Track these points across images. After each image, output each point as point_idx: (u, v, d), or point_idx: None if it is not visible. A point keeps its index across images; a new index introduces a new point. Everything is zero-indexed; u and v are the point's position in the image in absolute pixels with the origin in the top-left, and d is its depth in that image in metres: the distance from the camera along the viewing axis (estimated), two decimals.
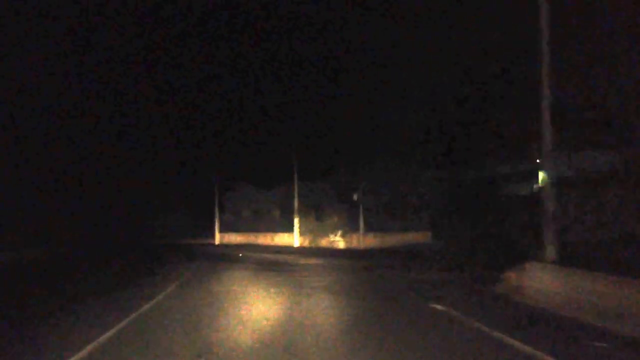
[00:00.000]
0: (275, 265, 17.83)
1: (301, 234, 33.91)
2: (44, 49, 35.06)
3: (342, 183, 33.14)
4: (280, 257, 22.37)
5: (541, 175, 9.30)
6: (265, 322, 7.25)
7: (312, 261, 20.25)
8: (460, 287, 10.91)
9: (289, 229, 34.94)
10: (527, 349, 5.47)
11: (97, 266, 19.31)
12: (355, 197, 30.17)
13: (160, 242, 41.42)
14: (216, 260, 20.95)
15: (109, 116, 44.59)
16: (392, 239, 30.20)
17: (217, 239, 42.73)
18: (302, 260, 20.69)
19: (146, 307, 8.62)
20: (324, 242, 31.98)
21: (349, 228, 30.79)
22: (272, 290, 10.87)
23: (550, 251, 8.30)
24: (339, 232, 30.86)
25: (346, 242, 30.47)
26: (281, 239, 36.31)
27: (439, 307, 8.20)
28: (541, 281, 7.78)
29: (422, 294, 9.92)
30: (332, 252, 27.11)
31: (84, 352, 5.57)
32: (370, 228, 30.09)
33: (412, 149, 31.03)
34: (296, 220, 33.92)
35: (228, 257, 23.38)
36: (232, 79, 43.65)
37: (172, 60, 44.61)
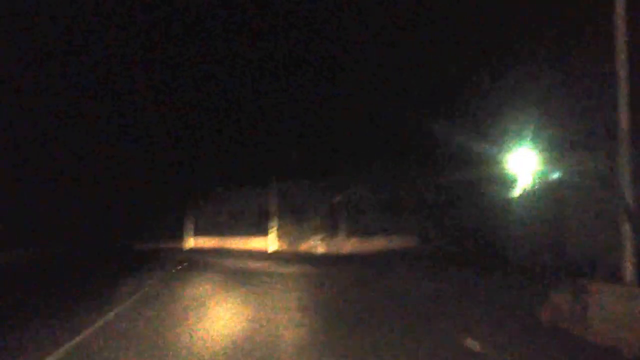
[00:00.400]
0: (245, 277, 15.36)
1: (279, 237, 31.47)
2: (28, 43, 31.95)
3: (323, 184, 30.84)
4: (254, 265, 19.90)
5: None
6: None
7: (291, 269, 17.85)
8: (484, 304, 8.70)
9: (266, 232, 32.48)
10: None
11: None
12: (337, 198, 27.90)
13: (130, 247, 38.56)
14: (176, 271, 18.39)
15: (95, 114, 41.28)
16: (377, 243, 27.94)
17: (188, 243, 39.95)
18: (279, 269, 18.27)
19: None
20: (303, 247, 29.59)
21: (330, 232, 28.48)
22: (232, 324, 7.91)
23: (629, 270, 6.02)
24: (319, 236, 28.51)
25: (327, 246, 28.14)
26: (257, 242, 33.77)
27: (473, 344, 5.91)
28: (615, 311, 5.57)
29: (443, 317, 7.61)
30: (313, 258, 24.75)
31: None
32: (352, 232, 27.86)
33: (403, 151, 29.35)
34: (273, 223, 31.46)
35: (196, 264, 20.80)
36: (208, 75, 40.90)
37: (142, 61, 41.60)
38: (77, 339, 6.68)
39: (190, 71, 39.85)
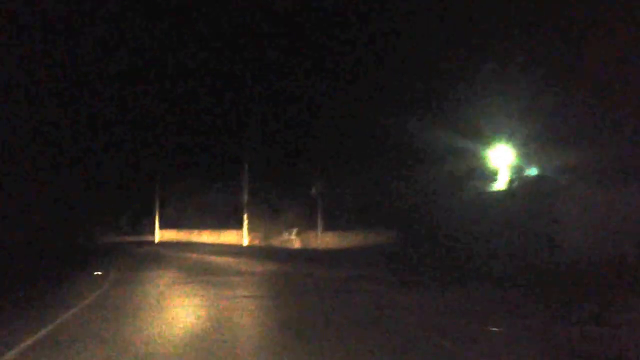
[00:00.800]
0: (211, 274, 13.90)
1: (251, 231, 30.01)
2: None
3: (298, 176, 29.44)
4: (223, 261, 18.44)
5: None
6: None
7: (263, 267, 16.47)
8: (518, 317, 7.51)
9: (238, 226, 30.95)
10: None
11: None
12: (313, 190, 26.57)
13: (92, 241, 36.51)
14: (140, 265, 16.79)
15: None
16: (354, 239, 26.70)
17: (157, 236, 38.09)
18: (250, 266, 16.86)
19: None
20: (277, 241, 28.20)
21: (306, 226, 27.12)
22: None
23: None
24: (295, 230, 27.14)
25: (302, 241, 26.82)
26: (229, 237, 32.22)
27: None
28: None
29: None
30: (288, 254, 23.43)
31: None
32: (329, 226, 26.56)
33: (380, 144, 28.37)
34: (245, 217, 29.98)
35: (158, 260, 19.20)
36: (179, 64, 38.81)
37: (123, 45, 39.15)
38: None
39: (159, 56, 37.73)
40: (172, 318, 7.69)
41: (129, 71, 38.96)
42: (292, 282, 12.18)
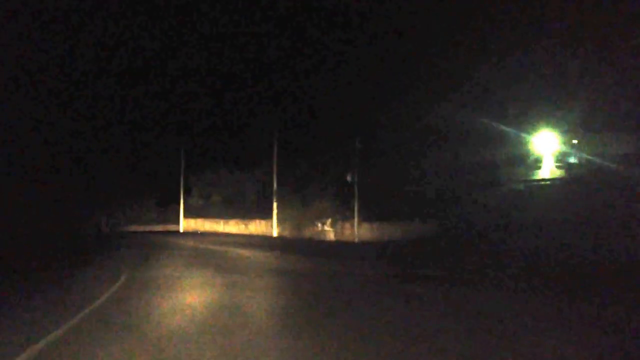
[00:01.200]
0: (241, 273, 11.84)
1: (281, 221, 28.00)
2: None
3: (332, 162, 27.23)
4: (254, 256, 16.40)
5: None
6: None
7: (303, 264, 14.36)
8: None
9: (267, 215, 28.98)
10: None
11: None
12: (348, 177, 24.32)
13: (115, 230, 35.37)
14: (159, 261, 14.88)
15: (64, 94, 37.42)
16: (394, 230, 24.33)
17: (182, 225, 36.54)
18: (287, 262, 14.78)
19: None
20: (308, 232, 26.11)
21: (340, 216, 24.90)
22: None
23: None
24: (329, 221, 24.96)
25: (337, 232, 24.65)
26: (257, 226, 30.33)
27: None
28: None
29: None
30: (322, 247, 21.35)
31: None
32: (365, 217, 24.24)
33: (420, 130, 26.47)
34: (275, 205, 27.96)
35: (181, 253, 17.28)
36: (202, 51, 37.06)
37: (138, 33, 37.64)
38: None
39: (198, 43, 35.99)
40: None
41: (157, 58, 37.48)
42: (349, 289, 9.97)
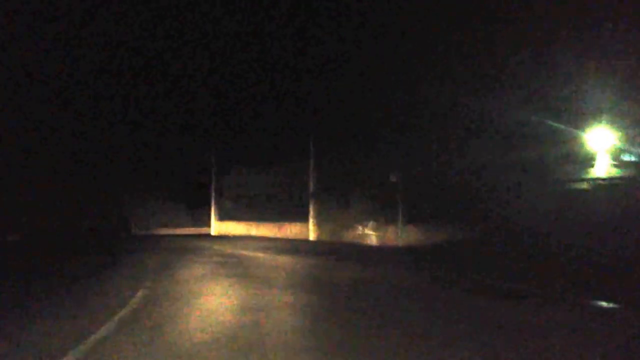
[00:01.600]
0: (276, 285, 10.21)
1: (318, 224, 26.37)
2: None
3: (372, 161, 25.44)
4: (293, 263, 14.79)
5: None
6: None
7: (350, 273, 12.67)
8: None
9: (302, 217, 27.39)
10: None
11: None
12: (392, 178, 22.53)
13: (144, 233, 34.49)
14: (191, 271, 13.42)
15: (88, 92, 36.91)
16: (438, 234, 22.40)
17: (213, 228, 35.38)
18: (332, 272, 13.11)
19: None
20: (348, 236, 24.41)
21: (382, 218, 23.10)
22: None
23: None
24: (371, 224, 23.19)
25: (379, 236, 22.87)
26: (292, 229, 28.79)
27: None
28: None
29: None
30: (369, 252, 19.60)
31: None
32: (410, 218, 22.37)
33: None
34: (311, 207, 26.37)
35: (214, 260, 15.81)
36: (231, 50, 35.87)
37: (167, 32, 36.79)
38: None
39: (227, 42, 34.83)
40: None
41: (184, 56, 36.52)
42: (417, 311, 8.24)
